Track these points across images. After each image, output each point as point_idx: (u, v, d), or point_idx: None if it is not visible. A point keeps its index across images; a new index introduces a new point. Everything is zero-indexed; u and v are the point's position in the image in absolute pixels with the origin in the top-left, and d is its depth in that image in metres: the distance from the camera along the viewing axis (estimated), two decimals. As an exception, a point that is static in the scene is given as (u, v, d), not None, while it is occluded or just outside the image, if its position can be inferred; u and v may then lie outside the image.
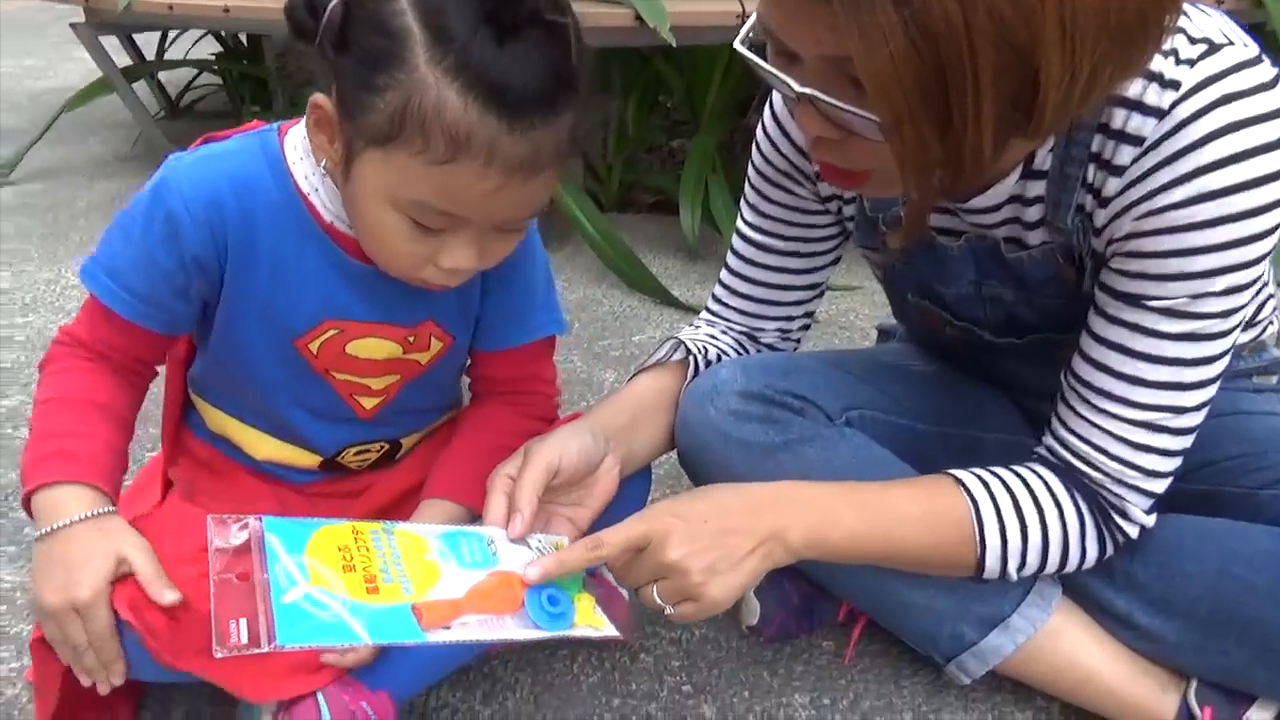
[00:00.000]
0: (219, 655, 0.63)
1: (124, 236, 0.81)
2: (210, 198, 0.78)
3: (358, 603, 0.69)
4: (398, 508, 0.95)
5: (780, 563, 0.79)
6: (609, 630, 0.78)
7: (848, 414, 0.97)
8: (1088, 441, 0.81)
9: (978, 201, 0.82)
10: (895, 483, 0.87)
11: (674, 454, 1.00)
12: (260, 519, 0.71)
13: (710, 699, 1.01)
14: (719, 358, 1.03)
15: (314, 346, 0.85)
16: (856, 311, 1.88)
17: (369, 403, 0.92)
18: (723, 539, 0.76)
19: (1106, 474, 0.81)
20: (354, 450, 0.96)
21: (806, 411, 0.93)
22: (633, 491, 0.96)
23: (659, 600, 0.76)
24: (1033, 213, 0.81)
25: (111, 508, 0.79)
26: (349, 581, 0.70)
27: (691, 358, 1.01)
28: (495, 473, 0.84)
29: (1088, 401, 0.81)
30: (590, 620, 0.77)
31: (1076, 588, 0.92)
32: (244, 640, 0.64)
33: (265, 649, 0.64)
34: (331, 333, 0.84)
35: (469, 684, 1.01)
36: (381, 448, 0.97)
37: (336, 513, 0.81)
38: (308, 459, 0.95)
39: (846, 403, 0.97)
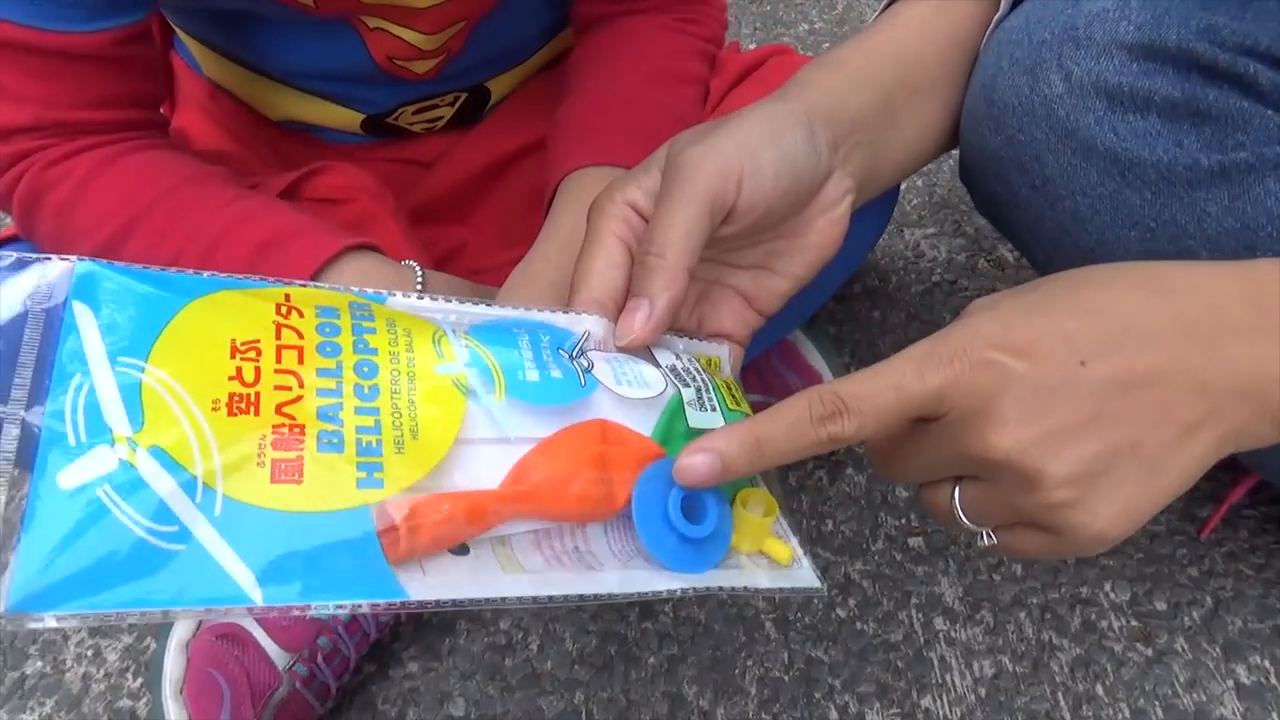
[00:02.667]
0: None
1: None
2: None
3: (240, 500, 0.27)
4: (491, 186, 0.67)
5: (1252, 444, 0.34)
6: (799, 574, 0.36)
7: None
8: None
9: None
10: None
11: (952, 158, 0.53)
12: (71, 259, 0.29)
13: (954, 574, 0.61)
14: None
15: None
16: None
17: (421, 67, 0.61)
18: (1128, 405, 0.31)
19: None
20: (412, 109, 0.65)
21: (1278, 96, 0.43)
22: (858, 237, 0.51)
23: (963, 517, 0.34)
24: None
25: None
26: (228, 435, 0.28)
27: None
28: (606, 193, 0.40)
29: None
30: (761, 544, 0.36)
31: None
32: None
33: None
34: None
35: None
36: (456, 99, 0.65)
37: (399, 191, 0.55)
38: (344, 117, 0.64)
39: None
